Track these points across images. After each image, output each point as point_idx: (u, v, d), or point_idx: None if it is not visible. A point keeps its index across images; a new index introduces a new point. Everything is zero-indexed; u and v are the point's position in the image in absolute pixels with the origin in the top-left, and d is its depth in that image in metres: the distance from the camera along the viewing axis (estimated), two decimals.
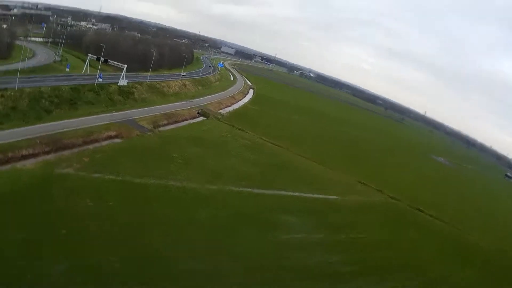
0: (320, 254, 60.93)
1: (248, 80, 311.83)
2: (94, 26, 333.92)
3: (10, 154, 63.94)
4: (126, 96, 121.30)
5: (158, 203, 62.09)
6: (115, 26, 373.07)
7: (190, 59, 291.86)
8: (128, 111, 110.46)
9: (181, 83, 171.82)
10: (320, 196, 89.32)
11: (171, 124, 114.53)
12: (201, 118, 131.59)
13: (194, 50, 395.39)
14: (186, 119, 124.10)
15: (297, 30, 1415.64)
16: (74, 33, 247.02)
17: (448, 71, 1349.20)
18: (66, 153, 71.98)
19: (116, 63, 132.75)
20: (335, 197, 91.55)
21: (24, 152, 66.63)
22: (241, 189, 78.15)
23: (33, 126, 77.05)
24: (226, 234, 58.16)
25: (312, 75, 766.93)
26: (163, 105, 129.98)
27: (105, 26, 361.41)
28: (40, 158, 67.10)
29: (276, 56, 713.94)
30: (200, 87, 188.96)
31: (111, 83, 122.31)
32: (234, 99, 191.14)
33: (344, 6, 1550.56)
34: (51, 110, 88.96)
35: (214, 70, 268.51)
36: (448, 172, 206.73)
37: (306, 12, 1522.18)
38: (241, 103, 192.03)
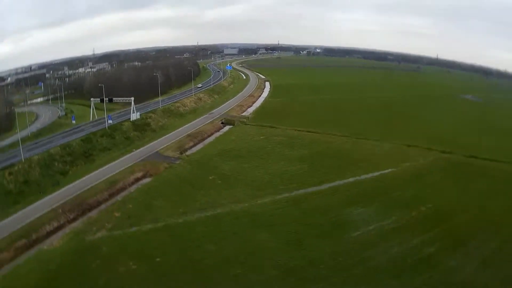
0: (400, 241, 52.68)
1: (260, 74, 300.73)
2: (92, 69, 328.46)
3: (34, 236, 55.74)
4: (143, 129, 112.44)
5: (211, 243, 51.79)
6: (113, 63, 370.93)
7: (196, 71, 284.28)
8: (149, 144, 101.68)
9: (195, 97, 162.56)
10: (375, 174, 78.37)
11: (198, 143, 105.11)
12: (227, 128, 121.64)
13: (198, 61, 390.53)
14: (212, 134, 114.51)
15: (294, 12, 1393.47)
16: (73, 82, 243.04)
17: (448, 9, 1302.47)
18: (93, 214, 63.51)
19: (122, 98, 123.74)
20: (389, 170, 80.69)
21: (48, 228, 58.56)
22: (294, 193, 67.70)
23: (51, 195, 68.70)
24: (295, 247, 51.24)
25: (319, 50, 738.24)
26: (184, 126, 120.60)
27: (103, 65, 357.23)
28: (67, 229, 58.62)
29: (280, 43, 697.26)
30: (216, 96, 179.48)
31: (123, 121, 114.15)
32: (253, 97, 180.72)
33: None
34: (66, 170, 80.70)
35: (224, 74, 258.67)
36: (480, 108, 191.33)
37: None
38: (261, 99, 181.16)
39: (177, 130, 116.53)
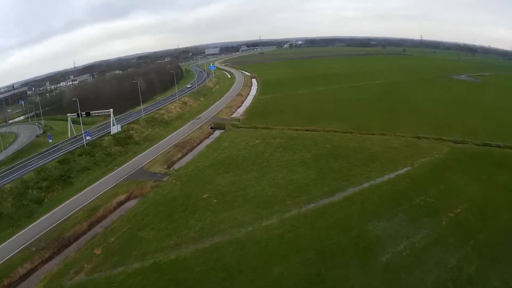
0: (436, 260, 44.11)
1: (245, 71, 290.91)
2: (74, 82, 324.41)
3: (6, 282, 47.40)
4: (125, 143, 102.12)
5: (211, 283, 42.20)
6: (95, 74, 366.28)
7: (180, 73, 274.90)
8: (133, 159, 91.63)
9: (180, 102, 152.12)
10: (391, 175, 69.05)
11: (187, 154, 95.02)
12: (217, 133, 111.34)
13: (180, 64, 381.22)
14: (201, 141, 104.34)
15: (270, 4, 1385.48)
16: (54, 97, 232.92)
17: None
18: (71, 250, 53.85)
19: (100, 111, 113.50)
20: (405, 169, 72.20)
21: (21, 270, 49.84)
22: (303, 209, 57.40)
23: (25, 229, 59.93)
24: (318, 284, 41.61)
25: (300, 42, 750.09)
26: (170, 136, 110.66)
27: (85, 77, 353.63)
28: (41, 273, 49.18)
29: (261, 39, 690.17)
30: (202, 99, 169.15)
31: (103, 136, 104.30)
32: (242, 96, 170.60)
33: None
34: (42, 198, 70.99)
35: (208, 75, 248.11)
36: (477, 88, 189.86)
37: None
38: (250, 97, 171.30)
39: (163, 140, 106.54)
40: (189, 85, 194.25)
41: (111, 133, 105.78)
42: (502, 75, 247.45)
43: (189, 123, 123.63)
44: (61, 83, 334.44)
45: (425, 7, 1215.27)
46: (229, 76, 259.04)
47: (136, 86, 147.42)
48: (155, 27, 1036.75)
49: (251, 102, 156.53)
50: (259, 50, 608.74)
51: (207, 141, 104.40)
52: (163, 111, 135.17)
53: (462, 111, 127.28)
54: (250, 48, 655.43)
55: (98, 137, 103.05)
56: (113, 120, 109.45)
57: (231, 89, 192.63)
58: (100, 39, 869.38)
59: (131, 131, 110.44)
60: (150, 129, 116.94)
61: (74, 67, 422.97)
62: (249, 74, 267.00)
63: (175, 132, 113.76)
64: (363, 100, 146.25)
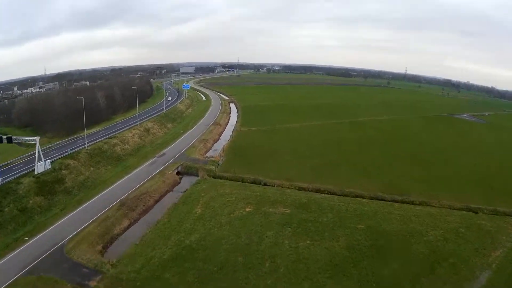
0: None
1: (222, 93, 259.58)
2: (41, 89, 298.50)
3: None
4: (51, 191, 67.46)
5: None
6: (63, 82, 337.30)
7: (149, 91, 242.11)
8: (55, 225, 57.52)
9: (141, 129, 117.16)
10: None
11: (136, 221, 60.88)
12: (186, 182, 78.44)
13: (152, 80, 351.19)
14: (161, 197, 70.69)
15: (251, 27, 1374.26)
16: (4, 107, 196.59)
17: (408, 22, 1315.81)
18: None
19: (24, 138, 78.51)
20: (485, 275, 47.01)
21: None
22: None
23: None
24: None
25: (277, 68, 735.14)
26: (118, 182, 76.12)
27: (53, 85, 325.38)
28: None
29: (239, 61, 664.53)
30: (170, 125, 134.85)
31: (23, 176, 69.08)
32: (219, 126, 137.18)
33: None
34: None
35: (181, 95, 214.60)
36: (491, 131, 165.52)
37: (252, 6, 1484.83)
38: (230, 128, 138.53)
39: (106, 190, 71.64)
40: (169, 98, 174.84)
41: (35, 172, 70.46)
42: (502, 115, 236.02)
43: (147, 163, 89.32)
44: (29, 89, 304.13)
45: (404, 41, 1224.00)
46: (204, 98, 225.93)
47: (93, 103, 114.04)
48: (132, 41, 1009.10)
49: (232, 135, 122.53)
50: (236, 72, 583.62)
51: (170, 198, 70.45)
52: (116, 141, 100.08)
53: (500, 164, 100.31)
54: (227, 69, 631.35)
55: (16, 178, 67.47)
56: (39, 153, 73.53)
57: (207, 115, 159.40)
58: (77, 48, 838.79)
59: (63, 171, 75.36)
60: (92, 168, 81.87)
61: (45, 73, 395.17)
62: (226, 97, 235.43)
63: (127, 177, 79.18)
64: (375, 142, 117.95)
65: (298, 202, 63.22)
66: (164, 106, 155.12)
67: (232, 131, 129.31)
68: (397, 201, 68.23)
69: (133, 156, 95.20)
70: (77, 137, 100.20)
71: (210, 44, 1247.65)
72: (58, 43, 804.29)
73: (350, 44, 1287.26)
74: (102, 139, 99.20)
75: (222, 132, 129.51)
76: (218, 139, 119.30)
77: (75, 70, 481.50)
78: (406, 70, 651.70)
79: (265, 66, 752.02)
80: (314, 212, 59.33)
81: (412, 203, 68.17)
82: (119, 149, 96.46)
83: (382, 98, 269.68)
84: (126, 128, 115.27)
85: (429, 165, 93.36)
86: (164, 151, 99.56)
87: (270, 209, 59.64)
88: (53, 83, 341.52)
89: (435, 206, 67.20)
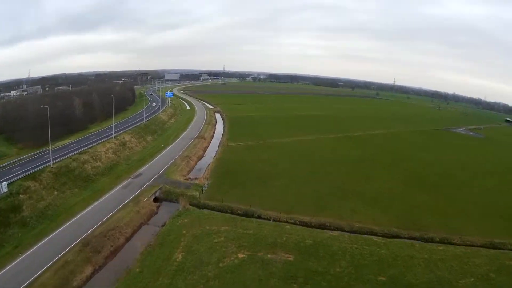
0: None
1: (207, 102, 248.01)
2: (24, 92, 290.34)
3: None
4: (4, 224, 55.11)
5: None
6: (46, 86, 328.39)
7: (131, 98, 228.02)
8: (2, 272, 44.83)
9: (117, 142, 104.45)
10: None
11: (102, 267, 48.77)
12: (166, 213, 65.80)
13: (136, 87, 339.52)
14: (134, 233, 58.24)
15: (237, 35, 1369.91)
16: None
17: (396, 33, 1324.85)
18: None
19: None
20: None
21: None
22: None
23: None
24: None
25: (263, 76, 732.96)
26: (83, 212, 63.18)
27: (36, 89, 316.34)
28: None
29: (225, 69, 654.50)
30: (149, 138, 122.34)
31: None
32: (204, 140, 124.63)
33: None
34: None
35: (163, 103, 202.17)
36: (489, 146, 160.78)
37: (239, 14, 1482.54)
38: (215, 142, 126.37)
39: (69, 223, 58.77)
40: (154, 104, 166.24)
41: None
42: (496, 128, 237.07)
43: (121, 185, 76.64)
44: (12, 92, 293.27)
45: (392, 52, 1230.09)
46: (188, 108, 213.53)
47: (68, 110, 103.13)
48: (119, 46, 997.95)
49: (219, 152, 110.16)
50: (221, 80, 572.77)
51: (145, 234, 58.13)
52: (86, 157, 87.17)
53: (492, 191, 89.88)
54: (212, 77, 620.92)
55: None
56: None
57: (190, 127, 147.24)
58: (64, 51, 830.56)
59: (22, 195, 62.66)
60: (56, 192, 69.23)
61: (29, 76, 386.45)
62: (211, 106, 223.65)
63: (95, 204, 66.52)
64: (377, 162, 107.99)
65: (303, 245, 51.55)
66: (144, 116, 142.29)
67: (218, 146, 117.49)
68: (415, 239, 58.10)
69: (105, 176, 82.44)
70: (44, 151, 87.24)
71: (196, 51, 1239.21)
72: (45, 46, 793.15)
73: (336, 54, 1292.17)
74: (71, 154, 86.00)
75: (207, 147, 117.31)
76: (202, 156, 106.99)
77: (61, 74, 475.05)
78: (394, 81, 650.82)
79: (250, 75, 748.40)
80: (324, 259, 47.82)
81: (432, 240, 58.58)
82: (90, 168, 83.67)
83: (373, 110, 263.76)
84: (100, 141, 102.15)
85: (440, 191, 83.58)
86: (141, 170, 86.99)
87: (269, 255, 47.78)
88: (36, 86, 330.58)
89: (458, 244, 58.18)
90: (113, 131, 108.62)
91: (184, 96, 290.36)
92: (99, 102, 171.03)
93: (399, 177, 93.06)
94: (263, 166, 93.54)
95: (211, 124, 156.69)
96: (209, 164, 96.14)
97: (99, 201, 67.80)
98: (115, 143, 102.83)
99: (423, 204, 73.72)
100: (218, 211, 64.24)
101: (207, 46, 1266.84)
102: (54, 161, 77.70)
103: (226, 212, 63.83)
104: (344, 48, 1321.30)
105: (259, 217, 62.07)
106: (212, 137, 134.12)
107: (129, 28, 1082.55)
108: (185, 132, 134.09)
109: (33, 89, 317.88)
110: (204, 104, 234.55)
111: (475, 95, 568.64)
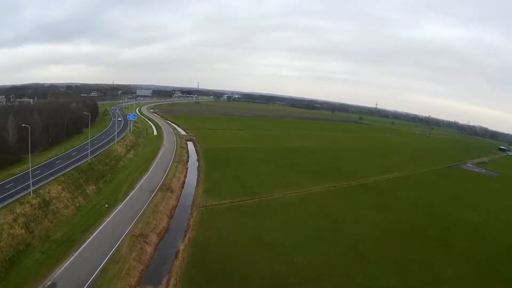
0: None
1: (178, 125, 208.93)
2: None
3: None
4: None
5: None
6: (11, 97, 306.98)
7: (94, 115, 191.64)
8: None
9: (35, 203, 63.57)
10: None
11: None
12: None
13: (103, 103, 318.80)
14: None
15: (211, 53, 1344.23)
16: None
17: (374, 55, 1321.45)
18: None
19: None
20: None
21: None
22: None
23: None
24: None
25: (237, 96, 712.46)
26: None
27: (1, 98, 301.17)
28: None
29: (199, 87, 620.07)
30: (91, 188, 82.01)
31: None
32: (171, 193, 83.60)
33: (249, 16, 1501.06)
34: None
35: (125, 127, 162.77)
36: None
37: (215, 32, 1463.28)
38: (187, 197, 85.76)
39: None
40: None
41: None
42: (502, 161, 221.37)
43: None
44: None
45: (369, 74, 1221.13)
46: (155, 133, 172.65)
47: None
48: (94, 58, 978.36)
49: (193, 221, 68.77)
50: (194, 98, 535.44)
51: None
52: None
53: None
54: (185, 95, 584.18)
55: None
56: None
57: (154, 166, 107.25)
58: (39, 61, 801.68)
59: None
60: None
61: None
62: (183, 132, 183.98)
63: None
64: (422, 235, 73.76)
65: None
66: (88, 151, 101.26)
67: (192, 207, 77.46)
68: None
69: None
70: None
71: (170, 67, 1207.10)
72: (20, 54, 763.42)
73: (311, 75, 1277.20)
74: None
75: (173, 210, 76.40)
76: (166, 230, 66.12)
77: (34, 84, 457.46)
78: (376, 104, 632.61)
79: (225, 93, 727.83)
80: None
81: None
82: None
83: (367, 139, 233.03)
84: (10, 200, 62.12)
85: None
86: (58, 271, 47.13)
87: None
88: (1, 96, 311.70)
89: None
90: (31, 183, 68.00)
91: (153, 116, 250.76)
92: (43, 124, 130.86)
93: (471, 271, 57.75)
94: (269, 260, 54.11)
95: (182, 161, 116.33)
96: (176, 253, 56.02)
97: None
98: (31, 205, 62.46)
99: None
100: None
101: (181, 63, 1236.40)
102: None
103: None
104: (319, 70, 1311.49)
105: None
106: (183, 185, 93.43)
107: (104, 41, 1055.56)
108: (145, 177, 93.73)
109: None
110: (175, 129, 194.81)
111: (452, 118, 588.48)
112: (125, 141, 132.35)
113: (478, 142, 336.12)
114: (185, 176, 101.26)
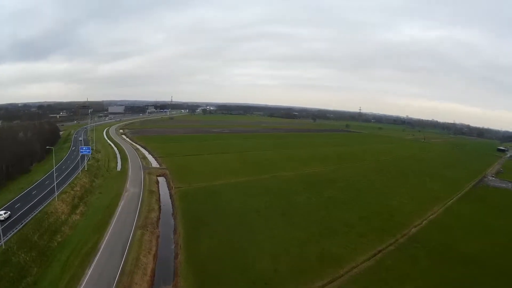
0: None
1: (149, 150, 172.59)
2: None
3: None
4: None
5: None
6: None
7: (52, 143, 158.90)
8: None
9: None
10: None
11: None
12: None
13: (70, 124, 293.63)
14: None
15: (185, 65, 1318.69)
16: None
17: (352, 61, 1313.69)
18: None
19: None
20: None
21: None
22: None
23: None
24: None
25: (213, 108, 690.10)
26: None
27: None
28: None
29: (173, 100, 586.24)
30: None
31: None
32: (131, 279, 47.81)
33: (225, 26, 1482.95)
34: None
35: (84, 159, 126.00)
36: None
37: (190, 44, 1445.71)
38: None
39: None
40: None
41: None
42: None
43: None
44: None
45: (346, 78, 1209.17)
46: (119, 168, 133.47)
47: None
48: (71, 76, 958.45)
49: None
50: (168, 113, 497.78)
51: None
52: None
53: None
54: (159, 110, 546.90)
55: None
56: None
57: (107, 238, 68.28)
58: (13, 80, 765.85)
59: None
60: None
61: None
62: (155, 162, 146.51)
63: None
64: None
65: None
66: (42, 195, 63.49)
67: None
68: None
69: None
70: None
71: (144, 81, 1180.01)
72: None
73: (289, 83, 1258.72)
74: None
75: None
76: None
77: (7, 104, 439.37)
78: (360, 109, 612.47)
79: (199, 106, 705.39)
80: None
81: None
82: None
83: (370, 154, 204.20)
84: None
85: None
86: None
87: None
88: None
89: None
90: None
91: (121, 140, 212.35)
92: None
93: None
94: None
95: (151, 223, 77.02)
96: None
97: None
98: None
99: None
100: None
101: (155, 76, 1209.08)
102: None
103: None
104: (296, 77, 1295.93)
105: None
106: (152, 280, 55.69)
107: (80, 57, 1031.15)
108: (91, 267, 55.61)
109: None
110: (145, 156, 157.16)
111: (429, 117, 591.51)
112: (73, 189, 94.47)
113: (472, 144, 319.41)
114: (155, 257, 62.73)
